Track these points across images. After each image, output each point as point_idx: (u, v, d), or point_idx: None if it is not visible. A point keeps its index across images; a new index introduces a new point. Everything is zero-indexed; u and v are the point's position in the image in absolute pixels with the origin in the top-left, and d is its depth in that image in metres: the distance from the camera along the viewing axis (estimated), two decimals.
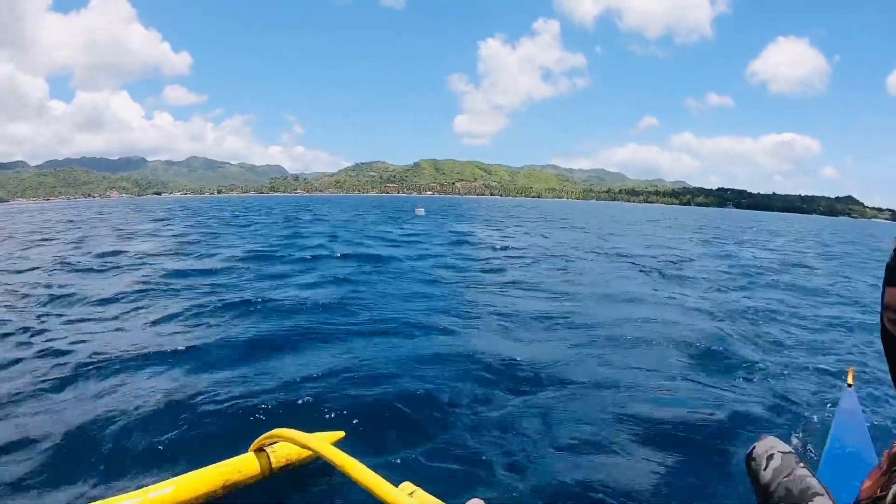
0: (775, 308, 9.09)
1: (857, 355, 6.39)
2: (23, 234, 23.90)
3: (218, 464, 2.81)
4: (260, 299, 8.28)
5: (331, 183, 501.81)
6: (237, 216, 41.92)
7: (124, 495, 2.46)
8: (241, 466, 2.85)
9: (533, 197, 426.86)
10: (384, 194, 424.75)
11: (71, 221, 35.19)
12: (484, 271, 12.58)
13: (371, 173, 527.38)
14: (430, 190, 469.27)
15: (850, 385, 3.99)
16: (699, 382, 5.25)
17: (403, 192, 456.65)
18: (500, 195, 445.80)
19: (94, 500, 2.41)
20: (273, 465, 2.95)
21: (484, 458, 3.59)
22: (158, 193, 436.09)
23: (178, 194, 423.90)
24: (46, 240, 20.43)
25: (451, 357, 5.75)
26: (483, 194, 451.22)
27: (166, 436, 3.72)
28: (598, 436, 4.00)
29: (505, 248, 17.98)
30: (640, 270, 13.39)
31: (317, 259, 13.99)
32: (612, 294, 9.84)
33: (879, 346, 0.94)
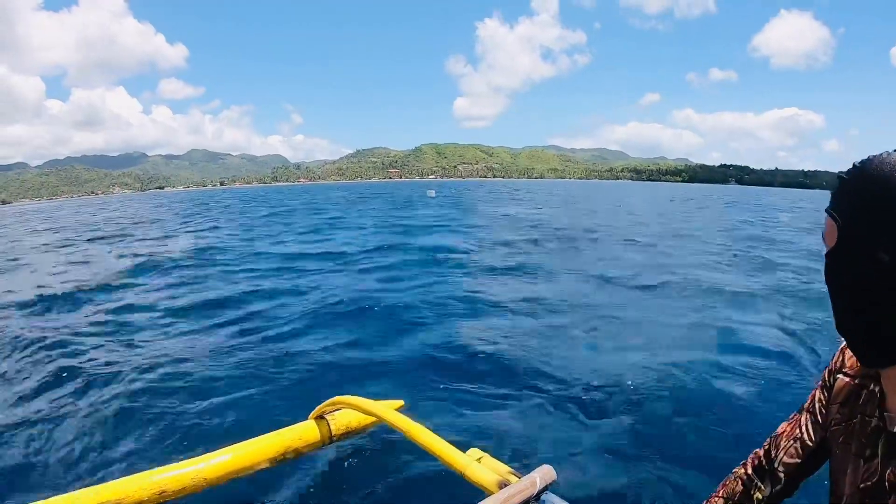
0: None
1: None
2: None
3: (278, 431, 2.72)
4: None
5: (333, 171, 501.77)
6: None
7: (185, 461, 2.37)
8: (302, 434, 2.75)
9: (535, 178, 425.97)
10: (387, 180, 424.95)
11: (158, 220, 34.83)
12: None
13: (373, 159, 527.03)
14: (432, 174, 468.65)
15: None
16: None
17: (406, 177, 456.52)
18: (503, 177, 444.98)
19: (155, 465, 2.34)
20: (333, 433, 2.85)
21: (551, 428, 3.55)
22: (161, 188, 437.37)
23: (181, 188, 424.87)
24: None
25: (526, 334, 5.68)
26: (485, 177, 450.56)
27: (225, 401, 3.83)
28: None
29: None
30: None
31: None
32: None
33: None
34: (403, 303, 7.12)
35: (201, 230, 21.19)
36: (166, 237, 18.31)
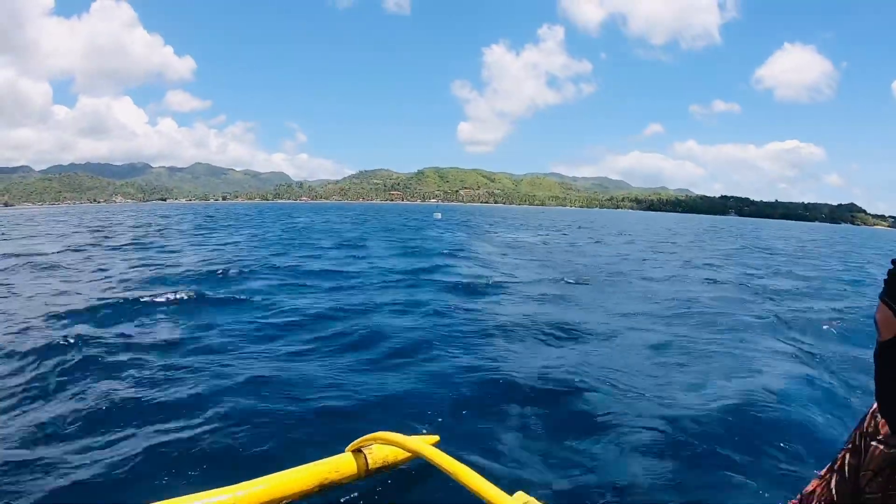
0: None
1: None
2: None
3: (315, 462, 2.77)
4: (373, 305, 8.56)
5: (335, 190, 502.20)
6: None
7: (221, 489, 2.41)
8: (339, 466, 2.82)
9: (536, 205, 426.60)
10: (388, 202, 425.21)
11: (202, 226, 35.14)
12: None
13: (375, 181, 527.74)
14: (434, 198, 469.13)
15: None
16: None
17: (408, 200, 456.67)
18: (504, 203, 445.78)
19: (187, 495, 2.35)
20: (370, 466, 2.90)
21: (606, 472, 3.49)
22: (164, 199, 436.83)
23: (183, 200, 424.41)
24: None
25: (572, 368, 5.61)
26: (486, 202, 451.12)
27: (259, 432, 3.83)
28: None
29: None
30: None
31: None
32: None
33: None
34: (437, 331, 7.10)
35: (224, 243, 21.47)
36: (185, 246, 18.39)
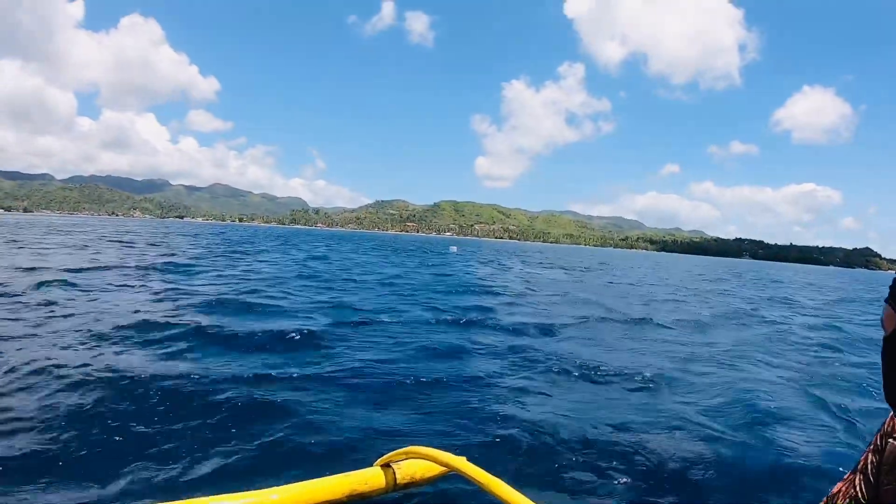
0: None
1: None
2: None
3: (344, 474, 2.71)
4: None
5: (351, 219, 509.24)
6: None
7: (256, 491, 2.38)
8: (368, 479, 2.74)
9: (550, 242, 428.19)
10: (404, 233, 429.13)
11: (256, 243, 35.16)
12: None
13: (391, 211, 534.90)
14: (448, 231, 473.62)
15: None
16: None
17: (423, 232, 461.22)
18: (518, 239, 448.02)
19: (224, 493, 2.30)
20: (398, 481, 2.81)
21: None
22: (181, 217, 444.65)
23: (200, 220, 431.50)
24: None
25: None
26: (501, 238, 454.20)
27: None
28: None
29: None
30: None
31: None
32: None
33: None
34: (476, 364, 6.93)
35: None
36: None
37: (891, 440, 1.16)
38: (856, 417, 5.55)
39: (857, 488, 1.24)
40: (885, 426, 1.20)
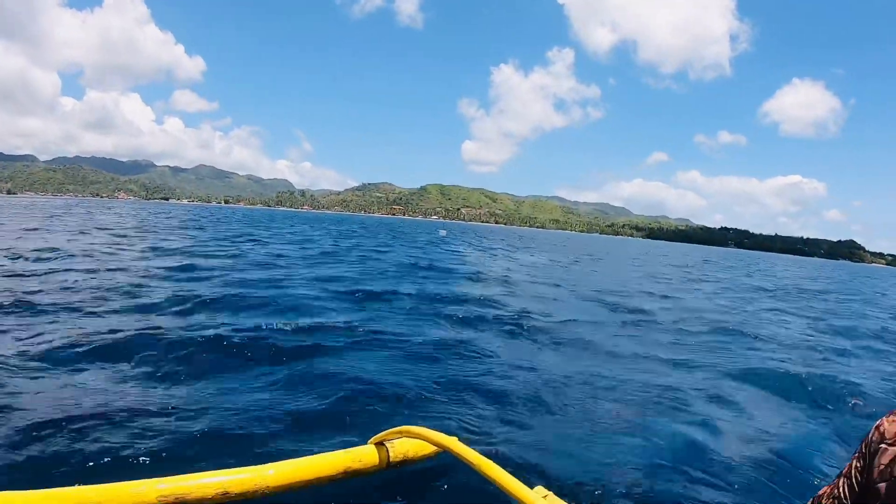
0: None
1: None
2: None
3: (339, 451, 2.84)
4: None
5: (337, 201, 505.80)
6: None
7: (250, 467, 2.48)
8: (361, 456, 2.88)
9: (537, 227, 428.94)
10: (390, 216, 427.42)
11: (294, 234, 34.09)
12: None
13: (377, 194, 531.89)
14: (435, 214, 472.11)
15: None
16: None
17: (409, 215, 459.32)
18: (505, 223, 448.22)
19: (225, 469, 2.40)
20: (391, 459, 2.95)
21: (619, 468, 3.56)
22: (166, 199, 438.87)
23: (185, 201, 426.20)
24: None
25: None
26: (487, 222, 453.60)
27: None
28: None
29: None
30: None
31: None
32: None
33: None
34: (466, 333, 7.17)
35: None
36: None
37: (881, 445, 1.32)
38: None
39: (841, 489, 1.43)
40: (870, 437, 1.37)
